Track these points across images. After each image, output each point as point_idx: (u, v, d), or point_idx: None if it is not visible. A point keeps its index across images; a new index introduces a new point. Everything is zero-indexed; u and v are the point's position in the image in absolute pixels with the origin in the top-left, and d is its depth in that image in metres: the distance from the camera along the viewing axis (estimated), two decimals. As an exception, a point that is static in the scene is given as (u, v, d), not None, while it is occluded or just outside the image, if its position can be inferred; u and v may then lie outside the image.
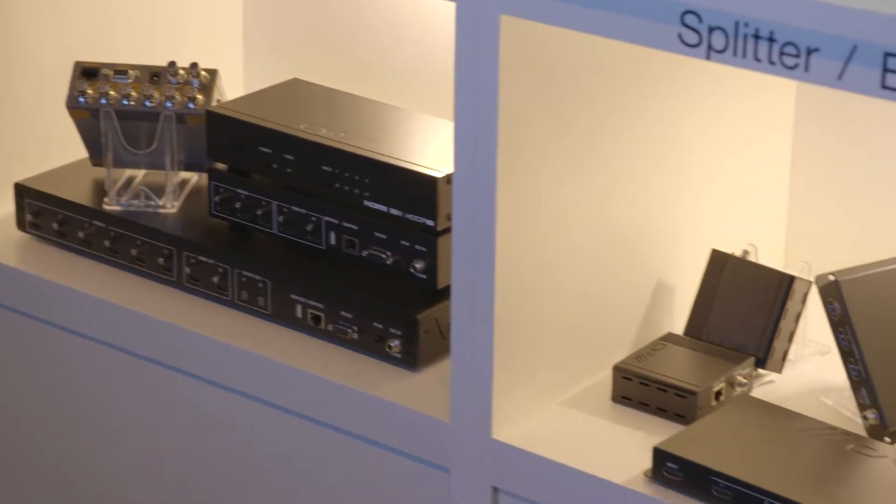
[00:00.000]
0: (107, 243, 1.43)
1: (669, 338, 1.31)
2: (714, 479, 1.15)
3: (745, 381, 1.27)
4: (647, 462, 1.19)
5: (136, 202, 1.45)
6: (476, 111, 1.17)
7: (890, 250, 1.31)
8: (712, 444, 1.18)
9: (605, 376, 1.29)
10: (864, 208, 1.39)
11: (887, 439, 1.20)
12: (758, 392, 1.28)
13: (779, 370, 1.30)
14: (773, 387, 1.29)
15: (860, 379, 1.21)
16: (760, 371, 1.30)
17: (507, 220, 1.19)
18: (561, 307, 1.26)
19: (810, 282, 1.28)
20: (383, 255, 1.32)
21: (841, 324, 1.22)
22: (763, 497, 1.12)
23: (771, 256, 1.40)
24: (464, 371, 1.23)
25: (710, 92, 1.32)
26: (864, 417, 1.21)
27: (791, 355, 1.31)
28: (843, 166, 1.40)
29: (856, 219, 1.40)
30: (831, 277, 1.23)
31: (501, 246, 1.20)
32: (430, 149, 1.34)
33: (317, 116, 1.38)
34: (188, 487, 1.42)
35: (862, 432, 1.21)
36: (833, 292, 1.22)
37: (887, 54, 1.00)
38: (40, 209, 1.46)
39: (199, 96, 1.43)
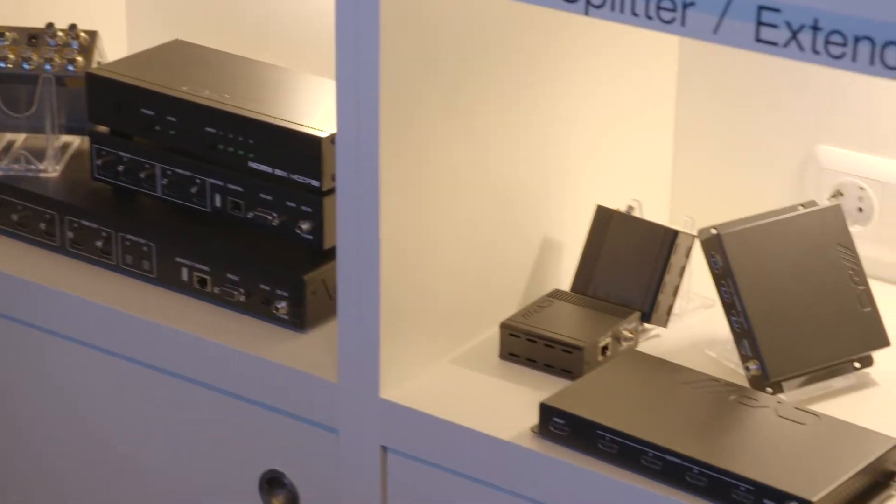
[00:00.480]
0: (-13, 209, 1.41)
1: (556, 294, 1.32)
2: (600, 432, 1.16)
3: (630, 335, 1.28)
4: (534, 418, 1.19)
5: (16, 166, 1.42)
6: (358, 70, 1.17)
7: (771, 203, 1.33)
8: (598, 399, 1.19)
9: (492, 334, 1.30)
10: (747, 162, 1.41)
11: (769, 389, 1.21)
12: (643, 346, 1.29)
13: (664, 324, 1.31)
14: (658, 341, 1.31)
15: (742, 331, 1.22)
16: (646, 325, 1.31)
17: (392, 179, 1.19)
18: (448, 266, 1.26)
19: (693, 236, 1.29)
20: (269, 217, 1.32)
21: (723, 276, 1.23)
22: (647, 449, 1.14)
23: (656, 212, 1.41)
24: (351, 331, 1.23)
25: (595, 50, 1.32)
26: (747, 368, 1.22)
27: (676, 309, 1.32)
28: (725, 122, 1.41)
29: (739, 173, 1.41)
30: (713, 231, 1.24)
31: (386, 205, 1.20)
32: (314, 109, 1.33)
33: (200, 78, 1.37)
34: (71, 450, 1.41)
35: (745, 383, 1.22)
36: (715, 245, 1.23)
37: (761, 7, 1.01)
38: (-81, 175, 1.44)
39: (79, 58, 1.41)
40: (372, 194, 1.19)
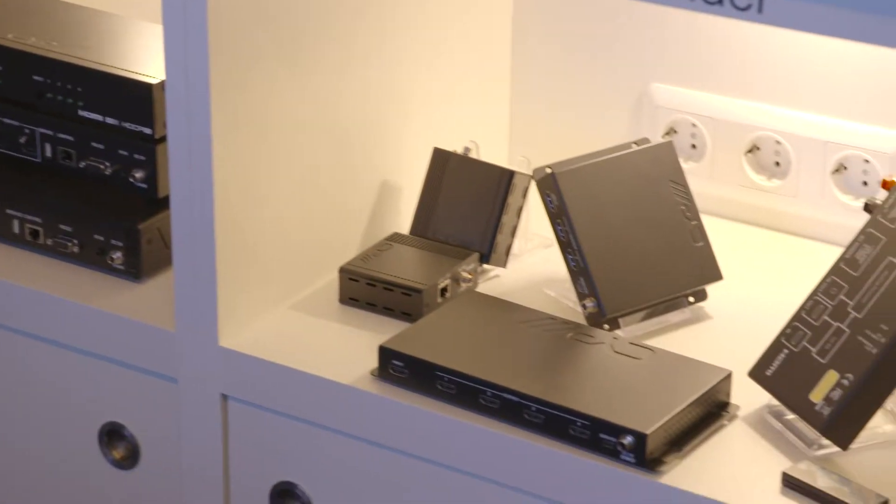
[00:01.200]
0: None
1: (395, 238, 1.32)
2: (438, 373, 1.16)
3: (469, 276, 1.29)
4: (374, 361, 1.19)
5: None
6: (185, 14, 1.15)
7: (608, 142, 1.33)
8: (437, 340, 1.19)
9: (332, 279, 1.29)
10: (583, 102, 1.42)
11: (606, 326, 1.23)
12: (483, 287, 1.30)
13: (503, 264, 1.31)
14: (498, 281, 1.31)
15: (578, 269, 1.23)
16: (486, 266, 1.31)
17: (224, 125, 1.18)
18: (285, 211, 1.25)
19: (530, 176, 1.29)
20: (101, 166, 1.29)
21: (558, 215, 1.24)
22: (486, 388, 1.14)
23: (494, 153, 1.41)
24: (187, 280, 1.22)
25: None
26: (584, 306, 1.23)
27: (515, 249, 1.33)
28: (560, 62, 1.42)
29: (575, 113, 1.42)
30: (548, 170, 1.24)
31: (219, 151, 1.18)
32: (144, 55, 1.31)
33: (26, 25, 1.34)
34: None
35: (582, 321, 1.23)
36: (549, 185, 1.24)
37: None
38: None
39: None
40: (204, 141, 1.18)
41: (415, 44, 1.32)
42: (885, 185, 1.14)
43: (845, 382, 1.08)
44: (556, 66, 1.42)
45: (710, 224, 1.31)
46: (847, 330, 1.10)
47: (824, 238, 1.33)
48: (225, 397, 1.23)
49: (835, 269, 1.13)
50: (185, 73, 1.16)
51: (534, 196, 1.30)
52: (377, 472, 1.19)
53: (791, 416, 1.12)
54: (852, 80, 1.30)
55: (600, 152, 1.26)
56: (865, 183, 1.31)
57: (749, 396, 1.15)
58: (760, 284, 1.29)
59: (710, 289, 1.26)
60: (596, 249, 1.23)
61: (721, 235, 1.32)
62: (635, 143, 1.28)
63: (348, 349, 1.22)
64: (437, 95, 1.36)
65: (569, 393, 1.13)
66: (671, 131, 1.38)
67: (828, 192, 1.32)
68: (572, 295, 1.25)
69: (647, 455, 1.09)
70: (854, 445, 1.09)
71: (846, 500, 1.04)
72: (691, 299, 1.26)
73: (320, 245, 1.29)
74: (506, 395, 1.14)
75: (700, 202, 1.32)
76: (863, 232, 1.13)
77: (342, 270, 1.27)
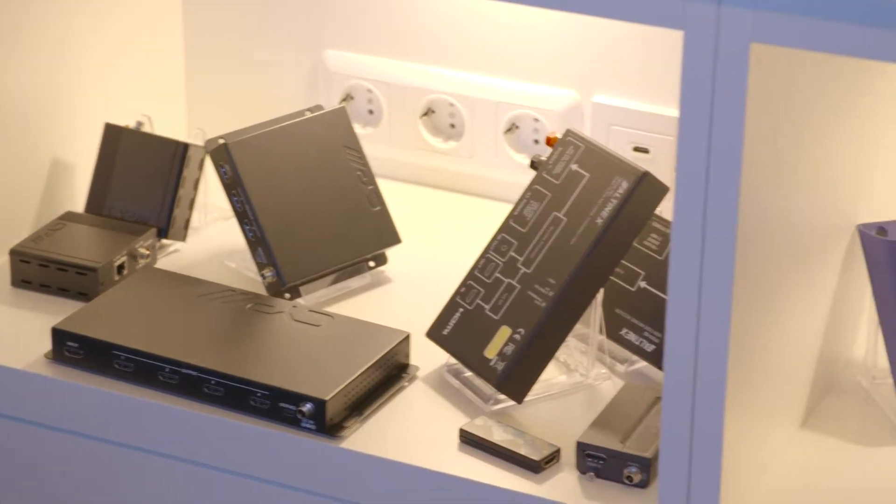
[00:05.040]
0: None
1: (68, 216, 1.28)
2: (115, 352, 1.13)
3: (147, 252, 1.26)
4: (49, 344, 1.16)
5: None
6: None
7: (286, 110, 1.32)
8: (113, 319, 1.17)
9: (4, 261, 1.25)
10: (259, 72, 1.40)
11: (287, 295, 1.22)
12: (163, 262, 1.28)
13: (182, 238, 1.29)
14: (178, 256, 1.29)
15: (256, 239, 1.22)
16: (164, 241, 1.29)
17: None
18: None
19: (204, 147, 1.28)
20: None
21: (233, 186, 1.23)
22: (164, 364, 1.12)
23: (173, 126, 1.39)
24: None
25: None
26: (263, 276, 1.22)
27: (194, 223, 1.31)
28: (235, 32, 1.40)
29: (252, 82, 1.41)
30: (220, 141, 1.23)
31: None
32: None
33: None
34: None
35: (263, 291, 1.22)
36: (223, 155, 1.23)
37: None
38: None
39: None
40: None
41: (82, 15, 1.29)
42: (549, 141, 1.16)
43: (517, 337, 1.10)
44: (231, 36, 1.40)
45: (390, 188, 1.31)
46: (518, 286, 1.12)
47: (501, 196, 1.35)
48: None
49: (504, 227, 1.15)
50: None
51: (211, 168, 1.28)
52: (56, 457, 1.16)
53: (469, 373, 1.14)
54: (522, 42, 1.32)
55: (274, 121, 1.26)
56: (536, 141, 1.33)
57: (429, 357, 1.16)
58: (439, 245, 1.30)
59: (390, 252, 1.27)
60: (273, 219, 1.22)
61: (401, 199, 1.33)
62: (309, 110, 1.27)
63: (21, 333, 1.18)
64: (108, 69, 1.32)
65: (248, 364, 1.12)
66: (348, 97, 1.38)
67: (501, 151, 1.34)
68: (253, 266, 1.24)
69: (327, 421, 1.09)
70: (529, 398, 1.11)
71: (520, 452, 1.05)
72: (372, 264, 1.26)
73: (-10, 227, 1.25)
74: (184, 370, 1.12)
75: (380, 167, 1.33)
76: (529, 188, 1.15)
77: (12, 252, 1.23)
